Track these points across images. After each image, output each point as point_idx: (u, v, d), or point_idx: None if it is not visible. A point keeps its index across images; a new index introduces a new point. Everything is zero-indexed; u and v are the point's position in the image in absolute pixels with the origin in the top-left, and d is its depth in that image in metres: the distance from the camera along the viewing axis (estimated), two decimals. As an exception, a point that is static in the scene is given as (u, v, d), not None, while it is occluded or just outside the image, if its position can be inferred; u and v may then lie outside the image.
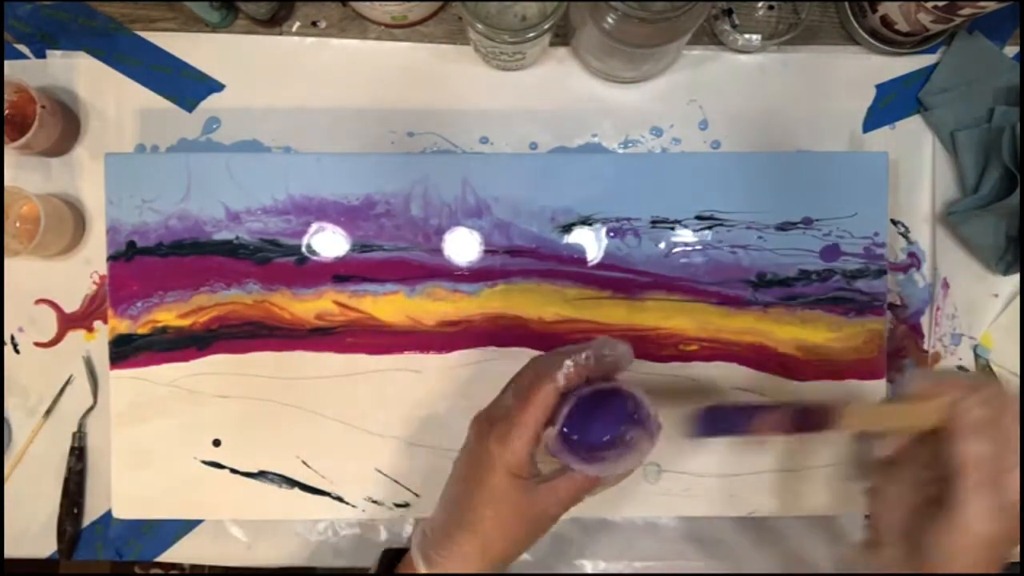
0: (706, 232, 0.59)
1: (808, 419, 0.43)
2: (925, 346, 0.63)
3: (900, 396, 0.44)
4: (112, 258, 0.58)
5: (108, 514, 0.62)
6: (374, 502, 0.59)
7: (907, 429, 0.43)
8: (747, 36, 0.61)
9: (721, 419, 0.46)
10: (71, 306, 0.63)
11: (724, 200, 0.58)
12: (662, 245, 0.59)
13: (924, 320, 0.63)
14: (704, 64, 0.63)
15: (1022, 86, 0.61)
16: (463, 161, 0.60)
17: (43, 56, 0.63)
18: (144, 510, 0.60)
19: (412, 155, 0.61)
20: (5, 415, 0.63)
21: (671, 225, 0.59)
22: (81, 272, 0.63)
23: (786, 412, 0.44)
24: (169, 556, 0.62)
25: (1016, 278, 0.63)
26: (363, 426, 0.59)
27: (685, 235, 0.59)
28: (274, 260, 0.59)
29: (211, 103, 0.63)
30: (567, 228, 0.59)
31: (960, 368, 0.64)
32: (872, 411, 0.45)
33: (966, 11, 0.54)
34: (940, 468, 0.40)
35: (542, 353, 0.47)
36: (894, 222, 0.63)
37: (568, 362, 0.43)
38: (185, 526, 0.62)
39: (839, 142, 0.63)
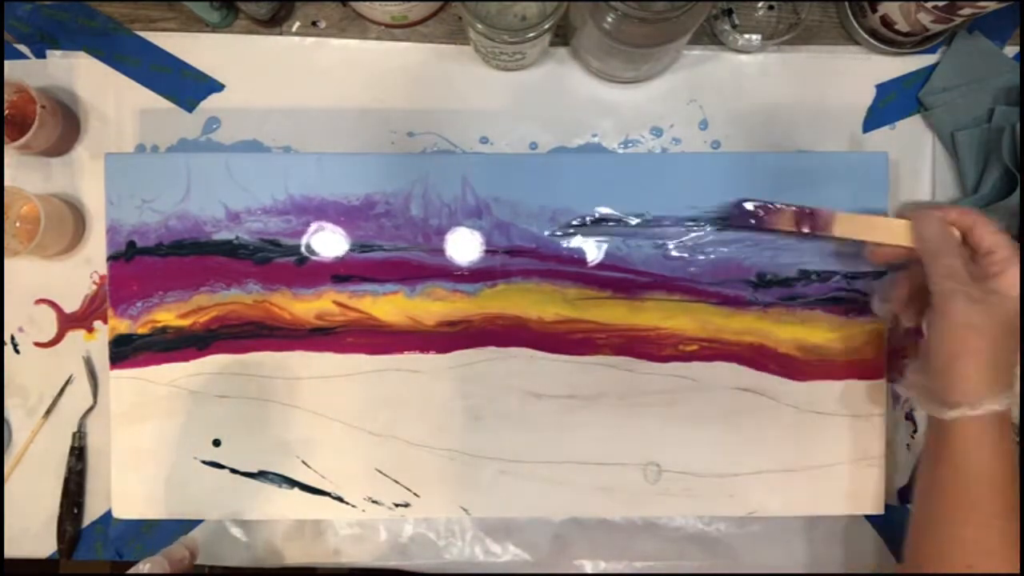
0: (706, 232, 0.59)
1: (811, 220, 0.55)
2: (925, 346, 0.63)
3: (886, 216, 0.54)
4: (112, 258, 0.58)
5: (108, 514, 0.62)
6: (374, 502, 0.59)
7: (886, 241, 0.53)
8: (747, 36, 0.61)
9: (747, 212, 0.56)
10: (71, 306, 0.63)
11: (724, 200, 0.58)
12: (662, 245, 0.59)
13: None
14: (704, 64, 0.63)
15: (1022, 86, 0.61)
16: (463, 161, 0.60)
17: (43, 56, 0.63)
18: (144, 510, 0.59)
19: (412, 155, 0.61)
20: (5, 415, 0.63)
21: (671, 225, 0.59)
22: (81, 272, 0.63)
23: (794, 211, 0.55)
24: (169, 556, 0.63)
25: (1016, 278, 0.63)
26: (363, 426, 0.59)
27: (685, 235, 0.59)
28: (274, 260, 0.59)
29: (211, 103, 0.63)
30: (567, 228, 0.59)
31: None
32: (856, 222, 0.54)
33: (966, 11, 0.54)
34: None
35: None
36: (894, 222, 0.63)
37: None
38: (185, 526, 0.62)
39: (839, 142, 0.63)
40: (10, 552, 0.62)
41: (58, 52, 0.63)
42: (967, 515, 0.48)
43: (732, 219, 0.57)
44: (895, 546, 0.63)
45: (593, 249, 0.59)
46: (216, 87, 0.63)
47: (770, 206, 0.56)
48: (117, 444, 0.59)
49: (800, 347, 0.59)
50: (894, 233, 0.52)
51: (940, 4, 0.54)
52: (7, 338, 0.63)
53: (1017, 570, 0.46)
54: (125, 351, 0.58)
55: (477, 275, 0.59)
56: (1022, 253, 0.54)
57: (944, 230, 0.50)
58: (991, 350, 0.47)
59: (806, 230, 0.55)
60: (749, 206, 0.56)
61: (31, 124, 0.57)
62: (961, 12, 0.54)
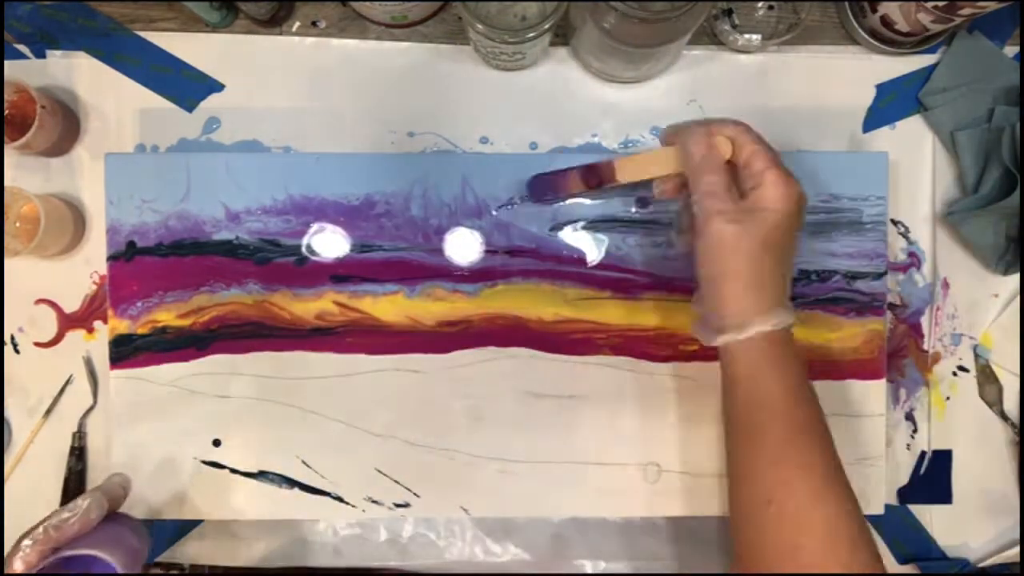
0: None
1: (596, 174, 0.54)
2: (925, 346, 0.63)
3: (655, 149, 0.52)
4: (112, 258, 0.58)
5: (108, 514, 0.62)
6: (374, 502, 0.59)
7: (664, 172, 0.51)
8: (747, 36, 0.61)
9: (543, 185, 0.57)
10: (71, 306, 0.63)
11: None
12: (662, 245, 0.59)
13: (924, 320, 0.63)
14: (704, 64, 0.63)
15: (1022, 86, 0.61)
16: (463, 161, 0.60)
17: (43, 56, 0.63)
18: (144, 510, 0.59)
19: (412, 155, 0.61)
20: (5, 415, 0.63)
21: (671, 225, 0.59)
22: (81, 272, 0.63)
23: (578, 171, 0.55)
24: (169, 556, 0.62)
25: (1016, 278, 0.63)
26: (363, 426, 0.59)
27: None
28: (274, 260, 0.59)
29: (211, 103, 0.63)
30: (566, 228, 0.59)
31: (960, 368, 0.64)
32: (634, 162, 0.52)
33: (966, 11, 0.54)
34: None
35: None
36: (894, 222, 0.63)
37: (26, 542, 0.44)
38: (185, 526, 0.62)
39: (839, 142, 0.63)
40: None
41: (58, 52, 0.63)
42: (757, 445, 0.46)
43: (532, 194, 0.57)
44: (895, 546, 0.63)
45: (593, 249, 0.59)
46: (216, 87, 0.63)
47: (558, 172, 0.56)
48: (117, 444, 0.59)
49: (800, 347, 0.59)
50: (670, 162, 0.50)
51: (940, 4, 0.54)
52: (7, 338, 0.63)
53: (823, 496, 0.44)
54: (125, 351, 0.58)
55: (477, 275, 0.59)
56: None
57: (706, 144, 0.47)
58: (753, 271, 0.45)
59: (594, 185, 0.54)
60: (542, 177, 0.56)
61: (31, 124, 0.57)
62: (961, 12, 0.54)
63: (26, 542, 0.44)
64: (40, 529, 0.45)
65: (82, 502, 0.47)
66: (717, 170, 0.47)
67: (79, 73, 0.63)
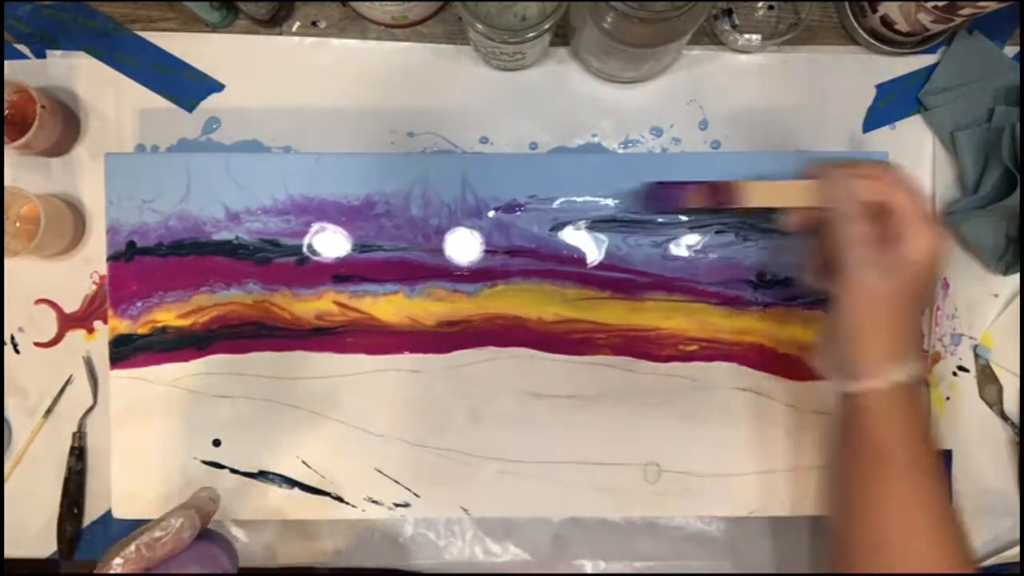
0: (706, 232, 0.59)
1: (722, 193, 0.53)
2: (925, 346, 0.63)
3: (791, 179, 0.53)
4: (112, 258, 0.59)
5: (108, 514, 0.62)
6: (374, 502, 0.59)
7: (798, 204, 0.51)
8: (747, 36, 0.61)
9: (660, 194, 0.56)
10: (71, 306, 0.63)
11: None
12: (662, 245, 0.59)
13: (924, 320, 0.63)
14: (704, 64, 0.63)
15: (1022, 86, 0.61)
16: (463, 161, 0.60)
17: (43, 56, 0.63)
18: (144, 510, 0.59)
19: (412, 155, 0.62)
20: (5, 415, 0.63)
21: (671, 225, 0.59)
22: (81, 272, 0.63)
23: (704, 186, 0.54)
24: (169, 556, 0.62)
25: (1016, 278, 0.63)
26: (363, 426, 0.59)
27: (685, 235, 0.59)
28: (274, 260, 0.59)
29: (211, 103, 0.63)
30: (567, 228, 0.59)
31: (961, 368, 0.64)
32: (767, 188, 0.52)
33: (966, 11, 0.54)
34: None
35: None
36: (894, 222, 0.63)
37: (116, 560, 0.43)
38: (185, 526, 0.62)
39: (839, 142, 0.63)
40: (10, 552, 0.62)
41: (58, 52, 0.63)
42: (878, 485, 0.46)
43: (647, 202, 0.56)
44: (895, 546, 0.63)
45: (593, 249, 0.59)
46: (216, 87, 0.63)
47: (680, 184, 0.55)
48: (117, 444, 0.59)
49: (800, 347, 0.59)
50: (805, 195, 0.50)
51: (940, 4, 0.54)
52: (7, 338, 0.63)
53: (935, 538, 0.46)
54: (125, 351, 0.58)
55: (477, 275, 0.59)
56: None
57: (851, 190, 0.47)
58: (894, 322, 0.46)
59: (718, 203, 0.53)
60: (663, 187, 0.55)
61: (31, 124, 0.57)
62: (961, 12, 0.54)
63: (117, 560, 0.43)
64: (132, 547, 0.44)
65: (174, 521, 0.45)
66: (862, 219, 0.46)
67: (79, 73, 0.63)
